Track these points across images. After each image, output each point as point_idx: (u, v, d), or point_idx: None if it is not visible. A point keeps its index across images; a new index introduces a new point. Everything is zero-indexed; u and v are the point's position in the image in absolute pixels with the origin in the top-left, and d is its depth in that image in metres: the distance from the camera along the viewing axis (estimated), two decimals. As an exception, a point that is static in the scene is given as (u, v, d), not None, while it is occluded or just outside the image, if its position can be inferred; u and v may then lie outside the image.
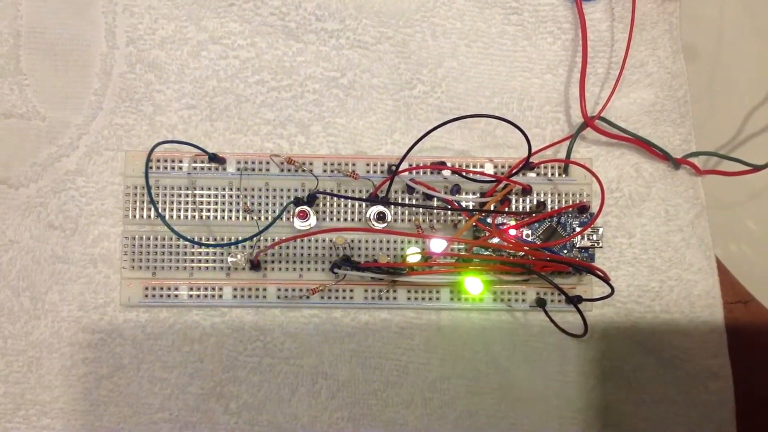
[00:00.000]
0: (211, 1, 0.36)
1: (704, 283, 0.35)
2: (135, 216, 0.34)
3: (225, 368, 0.34)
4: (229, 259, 0.34)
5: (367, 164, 0.35)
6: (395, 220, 0.35)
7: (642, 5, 0.37)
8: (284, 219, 0.34)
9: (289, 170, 0.35)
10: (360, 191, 0.35)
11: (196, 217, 0.34)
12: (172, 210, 0.34)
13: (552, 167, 0.35)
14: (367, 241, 0.35)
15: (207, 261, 0.34)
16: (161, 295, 0.34)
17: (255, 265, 0.34)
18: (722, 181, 0.36)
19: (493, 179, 0.34)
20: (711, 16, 0.42)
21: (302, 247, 0.34)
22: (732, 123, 0.41)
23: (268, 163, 0.35)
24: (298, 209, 0.34)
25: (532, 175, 0.35)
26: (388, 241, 0.35)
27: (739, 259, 0.41)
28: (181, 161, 0.35)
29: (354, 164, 0.35)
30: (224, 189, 0.35)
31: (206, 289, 0.34)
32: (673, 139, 0.36)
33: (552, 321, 0.34)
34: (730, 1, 0.42)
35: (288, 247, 0.34)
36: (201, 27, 0.35)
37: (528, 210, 0.35)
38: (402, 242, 0.35)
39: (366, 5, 0.36)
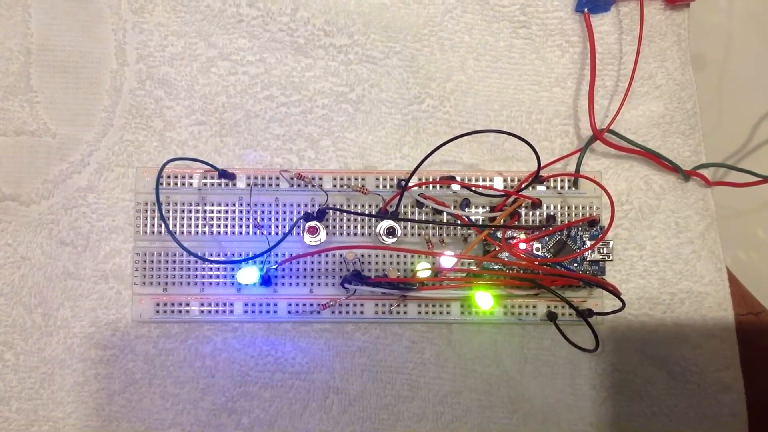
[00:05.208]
0: (220, 18, 0.36)
1: (715, 296, 0.35)
2: (146, 232, 0.34)
3: (236, 383, 0.34)
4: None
5: (377, 179, 0.35)
6: (405, 235, 0.35)
7: (650, 17, 0.37)
8: (294, 234, 0.34)
9: (298, 185, 0.35)
10: (369, 206, 0.35)
11: (207, 232, 0.35)
12: (183, 226, 0.35)
13: (561, 180, 0.35)
14: (377, 255, 0.35)
15: (218, 276, 0.34)
16: (172, 311, 0.34)
17: (266, 281, 0.34)
18: (732, 190, 0.36)
19: (503, 194, 0.34)
20: (719, 25, 0.42)
21: (312, 263, 0.35)
22: (741, 133, 0.41)
23: (277, 178, 0.35)
24: (308, 225, 0.34)
25: (541, 188, 0.35)
26: (398, 256, 0.35)
27: (750, 268, 0.40)
28: (191, 177, 0.35)
29: (363, 179, 0.35)
30: (234, 204, 0.35)
31: (217, 304, 0.34)
32: (682, 150, 0.36)
33: (563, 335, 0.34)
34: (738, 10, 0.42)
35: (298, 263, 0.34)
36: (210, 43, 0.36)
37: (538, 224, 0.35)
38: (412, 256, 0.35)
39: (374, 20, 0.36)
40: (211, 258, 0.34)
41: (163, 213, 0.34)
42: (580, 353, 0.34)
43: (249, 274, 0.33)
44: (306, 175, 0.35)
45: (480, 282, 0.33)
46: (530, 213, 0.35)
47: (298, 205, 0.35)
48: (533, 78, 0.36)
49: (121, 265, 0.35)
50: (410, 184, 0.34)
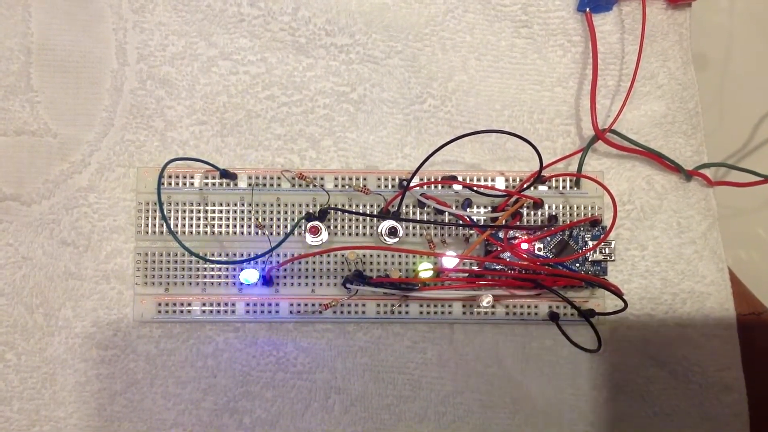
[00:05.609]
0: (221, 17, 0.36)
1: (717, 296, 0.35)
2: (147, 232, 0.34)
3: (238, 383, 0.34)
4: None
5: (378, 179, 0.35)
6: (407, 235, 0.35)
7: (652, 16, 0.37)
8: (296, 234, 0.34)
9: (300, 185, 0.35)
10: (371, 206, 0.35)
11: (208, 232, 0.34)
12: (184, 226, 0.34)
13: (563, 180, 0.35)
14: (378, 255, 0.35)
15: (220, 276, 0.34)
16: (174, 311, 0.34)
17: (267, 281, 0.34)
18: (733, 190, 0.36)
19: (504, 194, 0.34)
20: (720, 25, 0.42)
21: (314, 263, 0.34)
22: (743, 132, 0.41)
23: (279, 178, 0.35)
24: (309, 225, 0.34)
25: (543, 188, 0.35)
26: (400, 256, 0.35)
27: (751, 268, 0.40)
28: (192, 177, 0.35)
29: (365, 179, 0.35)
30: (236, 204, 0.35)
31: (219, 304, 0.34)
32: (684, 150, 0.36)
33: (565, 335, 0.34)
34: (739, 10, 0.42)
35: (300, 263, 0.34)
36: (211, 43, 0.36)
37: (540, 224, 0.35)
38: (414, 256, 0.35)
39: (375, 20, 0.36)
40: (213, 258, 0.34)
41: (165, 213, 0.34)
42: (582, 353, 0.34)
43: (251, 275, 0.33)
44: (307, 175, 0.35)
45: (482, 282, 0.33)
46: (532, 213, 0.35)
47: (300, 205, 0.35)
48: (535, 78, 0.36)
49: (123, 265, 0.35)
50: (412, 184, 0.34)
